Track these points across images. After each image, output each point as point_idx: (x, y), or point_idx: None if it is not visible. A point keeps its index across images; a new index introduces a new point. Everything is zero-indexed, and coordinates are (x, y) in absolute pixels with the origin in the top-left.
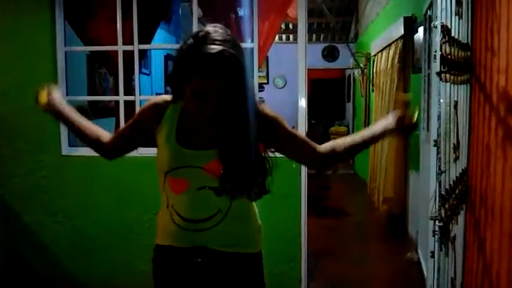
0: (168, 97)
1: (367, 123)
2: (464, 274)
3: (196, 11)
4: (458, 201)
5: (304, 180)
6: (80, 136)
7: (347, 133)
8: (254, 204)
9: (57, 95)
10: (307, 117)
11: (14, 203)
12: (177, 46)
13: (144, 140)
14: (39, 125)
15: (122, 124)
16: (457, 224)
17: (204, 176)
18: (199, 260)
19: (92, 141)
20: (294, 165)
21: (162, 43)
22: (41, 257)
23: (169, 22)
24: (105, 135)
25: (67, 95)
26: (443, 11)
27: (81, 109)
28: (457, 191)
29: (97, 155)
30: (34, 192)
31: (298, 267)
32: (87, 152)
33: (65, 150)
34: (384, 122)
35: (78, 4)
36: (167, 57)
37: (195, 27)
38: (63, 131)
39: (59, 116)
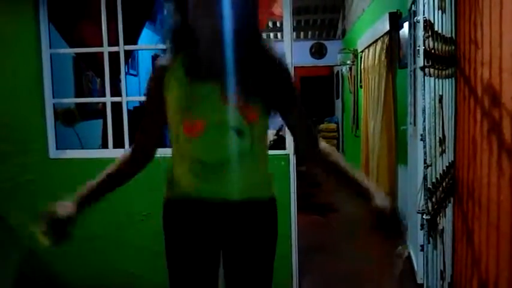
0: (163, 61)
1: (356, 119)
2: (454, 266)
3: None
4: (446, 194)
5: (294, 178)
6: (113, 186)
7: (337, 130)
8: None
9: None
10: None
11: (0, 208)
12: (163, 46)
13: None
14: (26, 128)
15: (110, 126)
16: (445, 217)
17: (222, 109)
18: (218, 212)
19: (123, 173)
20: (283, 163)
21: (149, 43)
22: (30, 260)
23: (154, 22)
24: (125, 156)
25: (53, 97)
26: (426, 6)
27: (68, 111)
28: (444, 184)
29: (85, 157)
30: (22, 196)
31: (289, 264)
32: (75, 154)
33: (53, 153)
34: (373, 193)
35: (62, 6)
36: (155, 58)
37: None
38: (50, 133)
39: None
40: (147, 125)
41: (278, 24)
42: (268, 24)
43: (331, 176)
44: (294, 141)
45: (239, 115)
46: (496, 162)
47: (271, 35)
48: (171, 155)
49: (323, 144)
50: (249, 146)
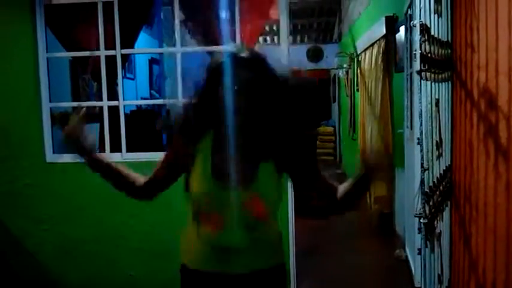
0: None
1: (352, 123)
2: (451, 270)
3: (178, 14)
4: (443, 198)
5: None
6: (113, 178)
7: (334, 133)
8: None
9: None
10: None
11: None
12: (160, 50)
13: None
14: (22, 132)
15: (106, 130)
16: (442, 220)
17: (241, 212)
18: (229, 284)
19: (128, 183)
20: None
21: (145, 47)
22: (28, 264)
23: (151, 26)
24: (140, 178)
25: (50, 101)
26: (423, 10)
27: (65, 115)
28: (441, 187)
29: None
30: (19, 200)
31: (287, 267)
32: (71, 158)
33: (49, 157)
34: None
35: (59, 9)
36: (151, 61)
37: (177, 31)
38: (47, 137)
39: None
40: (169, 168)
41: (275, 28)
42: (264, 28)
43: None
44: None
45: (254, 217)
46: (493, 166)
47: (268, 39)
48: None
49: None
50: (262, 234)
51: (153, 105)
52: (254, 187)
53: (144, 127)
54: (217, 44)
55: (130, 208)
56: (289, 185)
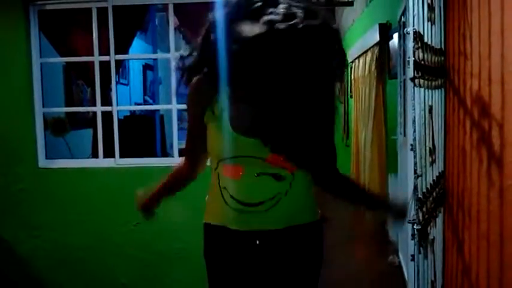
0: (205, 81)
1: (346, 129)
2: (444, 276)
3: (172, 20)
4: (436, 204)
5: None
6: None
7: None
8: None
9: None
10: None
11: None
12: (154, 55)
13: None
14: (15, 137)
15: (100, 135)
16: (435, 226)
17: (264, 164)
18: (257, 242)
19: (180, 181)
20: None
21: (140, 53)
22: (21, 271)
23: (145, 31)
24: (179, 165)
25: (43, 106)
26: (416, 17)
27: (59, 121)
28: (434, 194)
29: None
30: (11, 206)
31: None
32: (64, 164)
33: (42, 162)
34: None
35: (53, 15)
36: (145, 67)
37: (172, 37)
38: (40, 143)
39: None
40: (195, 131)
41: None
42: None
43: (353, 198)
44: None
45: (280, 169)
46: (486, 173)
47: None
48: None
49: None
50: (287, 186)
51: (147, 110)
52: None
53: (138, 133)
54: None
55: (123, 215)
56: None
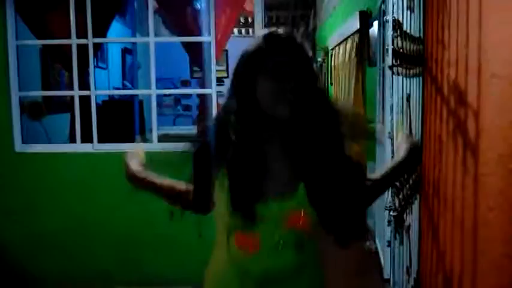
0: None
1: None
2: (420, 262)
3: (151, 4)
4: (412, 191)
5: None
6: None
7: None
8: None
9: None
10: None
11: None
12: (133, 39)
13: None
14: None
15: (78, 120)
16: (411, 213)
17: (282, 230)
18: None
19: (179, 203)
20: None
21: (118, 36)
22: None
23: (124, 15)
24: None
25: (19, 90)
26: (395, 6)
27: (35, 105)
28: (410, 181)
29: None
30: None
31: None
32: (41, 148)
33: (19, 147)
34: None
35: None
36: (124, 51)
37: (151, 20)
38: (16, 127)
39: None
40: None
41: (250, 20)
42: (239, 20)
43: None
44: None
45: (302, 233)
46: (461, 161)
47: (243, 31)
48: None
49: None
50: (309, 257)
51: (126, 95)
52: (294, 199)
53: (116, 118)
54: (191, 35)
55: (100, 200)
56: None
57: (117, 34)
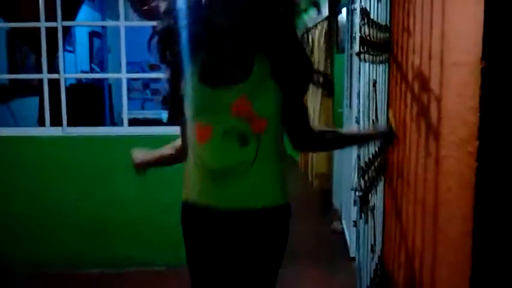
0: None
1: None
2: (384, 240)
3: None
4: (377, 173)
5: None
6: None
7: None
8: (281, 153)
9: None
10: None
11: None
12: (103, 23)
13: None
14: None
15: (47, 103)
16: (376, 194)
17: (230, 118)
18: (226, 221)
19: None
20: None
21: (87, 20)
22: None
23: None
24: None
25: None
26: None
27: (2, 88)
28: (376, 163)
29: (21, 135)
30: None
31: None
32: (9, 132)
33: None
34: (370, 131)
35: None
36: (92, 34)
37: (121, 4)
38: None
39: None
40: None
41: None
42: None
43: (333, 146)
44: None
45: (246, 125)
46: (424, 144)
47: None
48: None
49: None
50: (253, 155)
51: (94, 79)
52: (243, 87)
53: (85, 101)
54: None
55: (69, 184)
56: None
57: (85, 17)
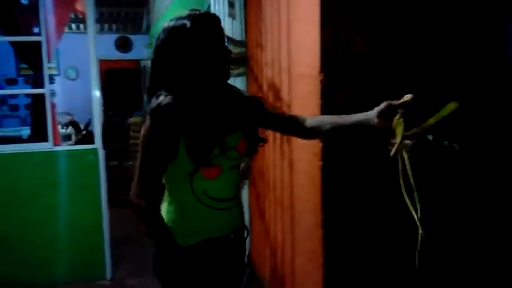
0: (168, 100)
1: None
2: (250, 239)
3: None
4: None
5: (103, 171)
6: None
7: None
8: None
9: None
10: (102, 108)
11: None
12: None
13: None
14: None
15: None
16: (242, 197)
17: (234, 155)
18: (232, 242)
19: None
20: (91, 157)
21: None
22: None
23: None
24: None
25: None
26: (218, 13)
27: None
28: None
29: None
30: None
31: (102, 254)
32: None
33: None
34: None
35: None
36: None
37: None
38: None
39: None
40: (160, 167)
41: (81, 16)
42: (71, 17)
43: (330, 134)
44: (294, 134)
45: (241, 155)
46: (279, 148)
47: (73, 26)
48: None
49: (309, 120)
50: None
51: None
52: (238, 135)
53: None
54: (21, 34)
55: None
56: (102, 175)
57: None
